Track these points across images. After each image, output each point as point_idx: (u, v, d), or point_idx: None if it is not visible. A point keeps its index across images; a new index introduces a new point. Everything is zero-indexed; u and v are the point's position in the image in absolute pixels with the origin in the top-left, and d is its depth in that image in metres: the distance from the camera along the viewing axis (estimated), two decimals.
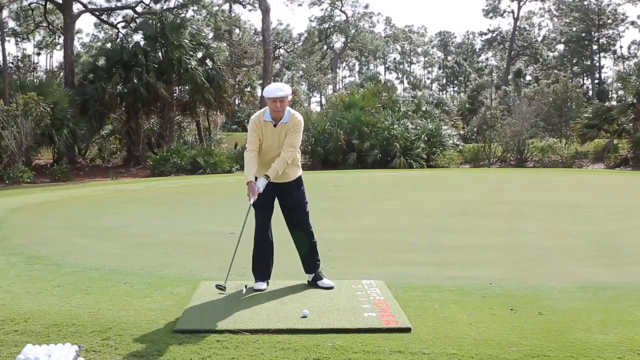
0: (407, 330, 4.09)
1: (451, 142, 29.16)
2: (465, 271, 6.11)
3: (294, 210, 5.26)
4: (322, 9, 64.49)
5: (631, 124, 26.99)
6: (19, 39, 48.57)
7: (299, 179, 5.32)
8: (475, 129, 35.80)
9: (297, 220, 5.27)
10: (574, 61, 62.88)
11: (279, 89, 5.00)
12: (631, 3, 53.88)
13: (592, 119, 27.99)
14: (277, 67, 60.86)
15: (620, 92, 30.23)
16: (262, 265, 5.28)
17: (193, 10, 35.45)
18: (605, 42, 62.40)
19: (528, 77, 62.30)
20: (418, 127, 27.49)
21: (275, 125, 5.05)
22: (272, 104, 4.97)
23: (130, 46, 28.17)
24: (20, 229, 9.31)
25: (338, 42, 67.86)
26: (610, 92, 59.17)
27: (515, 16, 62.96)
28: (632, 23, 60.35)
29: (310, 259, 5.32)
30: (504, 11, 64.86)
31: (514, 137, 28.93)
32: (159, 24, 27.68)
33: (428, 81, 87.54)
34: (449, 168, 27.17)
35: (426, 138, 27.46)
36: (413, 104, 30.91)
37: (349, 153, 26.00)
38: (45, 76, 41.01)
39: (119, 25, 34.89)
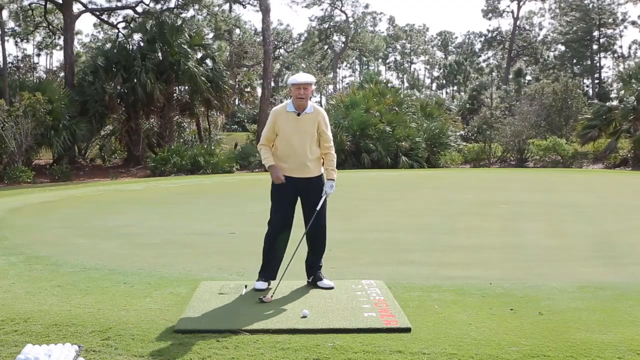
0: (407, 330, 4.09)
1: (452, 139, 29.14)
2: (465, 271, 6.11)
3: (317, 208, 5.09)
4: (322, 9, 64.53)
5: (631, 125, 26.96)
6: (19, 39, 48.51)
7: (323, 176, 5.26)
8: (476, 129, 35.81)
9: (318, 220, 5.10)
10: (574, 61, 62.84)
11: (303, 75, 5.14)
12: (632, 3, 53.84)
13: (592, 120, 27.97)
14: (277, 67, 60.81)
15: (622, 92, 30.19)
16: (272, 266, 5.17)
17: (194, 9, 35.41)
18: (605, 42, 62.37)
19: (528, 77, 62.28)
20: (420, 128, 27.46)
21: (298, 115, 5.06)
22: (296, 91, 5.01)
23: (130, 47, 28.17)
24: (20, 229, 9.30)
25: (338, 41, 67.81)
26: (610, 92, 59.14)
27: (515, 16, 62.98)
28: (633, 23, 60.35)
29: (316, 264, 5.28)
30: (504, 11, 64.93)
31: (515, 137, 28.92)
32: (157, 25, 27.66)
33: (428, 81, 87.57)
34: (450, 168, 27.17)
35: (427, 138, 27.46)
36: (416, 105, 30.87)
37: (351, 154, 25.97)
38: (45, 76, 41.02)
39: (120, 26, 34.88)
